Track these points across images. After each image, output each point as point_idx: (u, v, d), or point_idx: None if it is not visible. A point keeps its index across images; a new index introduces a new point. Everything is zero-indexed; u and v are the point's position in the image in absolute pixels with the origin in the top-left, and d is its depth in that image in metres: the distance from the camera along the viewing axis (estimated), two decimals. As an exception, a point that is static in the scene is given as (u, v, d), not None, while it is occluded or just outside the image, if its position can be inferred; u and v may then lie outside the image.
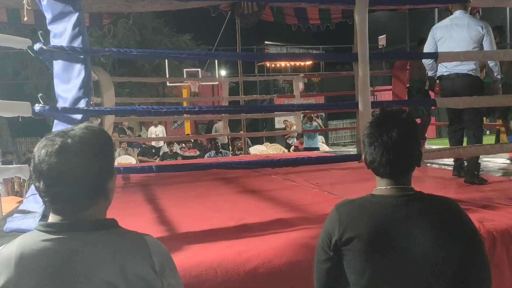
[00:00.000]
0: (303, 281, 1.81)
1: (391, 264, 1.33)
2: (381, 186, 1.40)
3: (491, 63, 3.56)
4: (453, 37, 3.55)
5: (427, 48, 3.77)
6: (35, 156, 1.12)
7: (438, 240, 1.31)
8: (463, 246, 1.33)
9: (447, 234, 1.32)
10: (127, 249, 1.13)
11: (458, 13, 3.69)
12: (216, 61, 15.56)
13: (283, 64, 23.91)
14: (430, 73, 3.90)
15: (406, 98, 6.28)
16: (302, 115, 9.03)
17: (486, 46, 3.40)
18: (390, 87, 7.55)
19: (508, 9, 15.64)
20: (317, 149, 9.83)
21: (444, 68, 3.57)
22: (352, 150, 7.52)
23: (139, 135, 14.28)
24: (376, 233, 1.34)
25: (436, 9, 14.73)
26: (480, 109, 3.52)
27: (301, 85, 12.97)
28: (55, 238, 1.10)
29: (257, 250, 1.89)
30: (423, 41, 4.14)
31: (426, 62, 3.87)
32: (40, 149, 1.12)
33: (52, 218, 1.14)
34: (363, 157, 1.46)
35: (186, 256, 1.83)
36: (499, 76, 3.59)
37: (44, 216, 1.94)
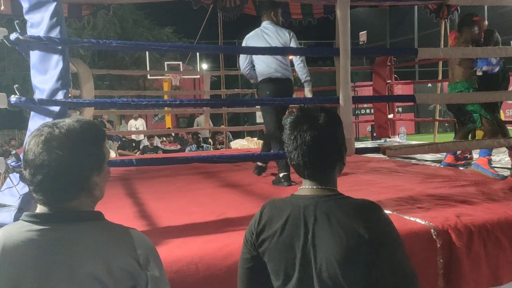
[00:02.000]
0: (284, 275, 1.81)
1: (300, 271, 1.28)
2: (303, 186, 1.38)
3: (299, 65, 3.96)
4: (267, 44, 3.85)
5: (243, 57, 4.09)
6: (25, 145, 1.16)
7: (344, 245, 1.23)
8: (371, 254, 1.23)
9: (354, 239, 1.23)
10: (112, 242, 1.13)
11: (266, 23, 4.00)
12: (197, 54, 15.43)
13: (265, 58, 23.79)
14: (252, 81, 4.20)
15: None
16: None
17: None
18: (370, 83, 7.61)
19: (486, 7, 15.92)
20: (298, 143, 9.84)
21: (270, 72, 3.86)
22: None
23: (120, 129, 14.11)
24: (287, 235, 1.31)
25: (416, 6, 14.89)
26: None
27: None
28: (40, 229, 1.10)
29: (239, 244, 1.86)
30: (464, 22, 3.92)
31: (243, 67, 4.08)
32: (30, 139, 1.15)
33: (38, 209, 1.15)
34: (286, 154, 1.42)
35: (167, 250, 1.81)
36: (308, 78, 4.07)
37: (20, 210, 1.91)
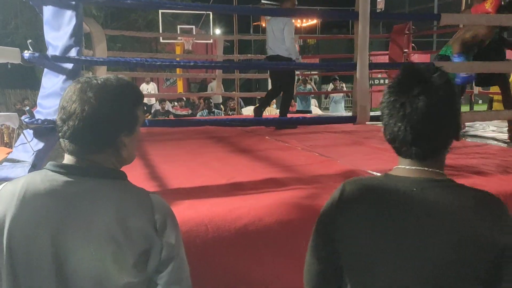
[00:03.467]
0: (293, 239, 1.82)
1: (393, 269, 1.03)
2: (401, 165, 1.11)
3: (290, 45, 4.68)
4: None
5: None
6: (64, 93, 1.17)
7: (460, 246, 0.97)
8: (494, 260, 0.96)
9: (474, 241, 0.97)
10: (131, 203, 1.13)
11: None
12: (211, 19, 15.21)
13: (279, 24, 23.43)
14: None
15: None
16: (296, 77, 8.94)
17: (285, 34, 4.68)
18: (386, 52, 7.47)
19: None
20: (309, 112, 9.81)
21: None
22: (346, 115, 7.50)
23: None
24: (378, 224, 1.05)
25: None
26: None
27: (296, 47, 12.79)
28: (63, 180, 1.11)
29: (248, 208, 1.89)
30: None
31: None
32: (68, 87, 1.16)
33: (65, 159, 1.16)
34: (382, 130, 1.15)
35: (177, 211, 1.78)
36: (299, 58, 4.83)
37: (34, 166, 1.92)
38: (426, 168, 1.08)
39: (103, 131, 1.13)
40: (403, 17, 7.19)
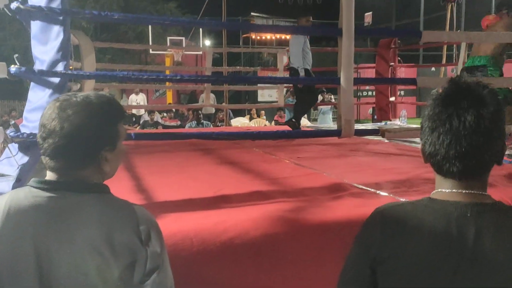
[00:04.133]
0: (278, 252, 1.83)
1: None
2: (443, 189, 1.03)
3: (294, 56, 5.12)
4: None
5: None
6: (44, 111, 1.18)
7: None
8: None
9: None
10: (115, 216, 1.14)
11: None
12: (200, 30, 15.29)
13: (268, 36, 23.64)
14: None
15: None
16: (285, 89, 9.01)
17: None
18: (373, 65, 7.56)
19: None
20: (298, 123, 9.84)
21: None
22: (333, 126, 7.56)
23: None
24: (431, 253, 0.97)
25: (424, -11, 14.68)
26: None
27: (285, 59, 12.87)
28: (46, 195, 1.12)
29: (235, 221, 1.90)
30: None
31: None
32: (48, 106, 1.18)
33: (48, 176, 1.17)
34: (420, 146, 1.08)
35: (162, 225, 1.79)
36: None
37: (18, 180, 1.92)
38: (474, 191, 1.00)
39: (84, 148, 1.15)
40: (386, 33, 7.32)
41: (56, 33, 2.12)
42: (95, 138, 1.16)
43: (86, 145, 1.15)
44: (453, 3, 7.77)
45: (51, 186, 1.14)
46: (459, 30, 12.77)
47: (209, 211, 2.05)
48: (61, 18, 2.13)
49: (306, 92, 5.44)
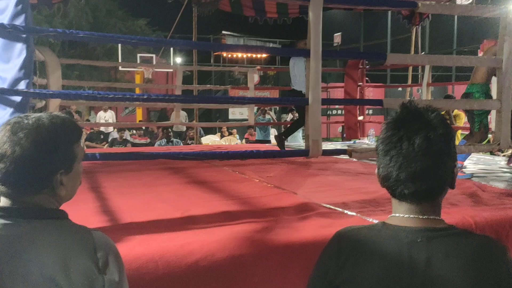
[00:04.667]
0: (244, 274, 1.82)
1: None
2: (398, 213, 1.05)
3: (300, 80, 5.04)
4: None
5: None
6: None
7: None
8: None
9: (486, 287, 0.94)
10: (71, 243, 1.10)
11: None
12: (171, 48, 15.28)
13: (239, 55, 23.85)
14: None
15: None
16: (255, 107, 9.06)
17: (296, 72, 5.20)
18: (343, 84, 7.70)
19: (456, 16, 16.33)
20: (269, 141, 9.90)
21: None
22: (303, 144, 7.62)
23: (88, 120, 13.84)
24: (383, 279, 0.98)
25: (389, 11, 15.15)
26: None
27: (256, 78, 13.00)
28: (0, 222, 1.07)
29: (201, 242, 1.87)
30: None
31: None
32: (1, 127, 1.14)
33: (1, 201, 1.12)
34: (376, 170, 1.10)
35: (127, 248, 1.78)
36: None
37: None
38: (426, 216, 1.02)
39: (37, 172, 1.11)
40: (353, 55, 7.52)
41: (19, 51, 2.07)
42: (48, 162, 1.12)
43: (38, 169, 1.11)
44: (417, 26, 8.03)
45: (3, 213, 1.10)
46: (423, 53, 13.20)
47: (175, 233, 2.02)
48: (24, 36, 2.09)
49: (299, 112, 5.55)
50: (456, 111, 7.37)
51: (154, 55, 14.81)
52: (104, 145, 10.42)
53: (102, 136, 10.82)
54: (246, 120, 7.83)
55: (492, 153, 7.08)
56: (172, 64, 15.64)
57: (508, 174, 4.02)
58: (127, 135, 10.53)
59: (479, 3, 6.86)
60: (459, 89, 19.40)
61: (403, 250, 0.98)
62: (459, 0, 7.27)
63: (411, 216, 1.02)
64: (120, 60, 14.32)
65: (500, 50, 3.00)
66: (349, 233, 1.09)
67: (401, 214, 1.04)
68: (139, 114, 15.46)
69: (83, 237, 1.13)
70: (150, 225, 2.19)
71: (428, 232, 1.00)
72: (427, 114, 1.03)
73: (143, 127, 12.00)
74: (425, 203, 1.03)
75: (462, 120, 7.56)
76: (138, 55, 14.77)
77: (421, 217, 1.02)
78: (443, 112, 7.26)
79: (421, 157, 0.98)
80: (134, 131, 11.60)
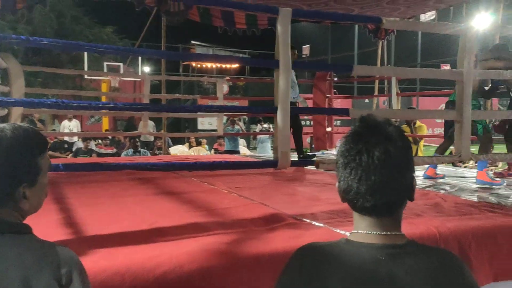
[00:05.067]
0: (214, 287, 1.79)
1: None
2: (359, 229, 1.05)
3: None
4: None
5: None
6: None
7: None
8: None
9: None
10: (34, 259, 1.06)
11: None
12: (139, 57, 15.12)
13: (209, 65, 23.84)
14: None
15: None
16: (225, 117, 9.06)
17: None
18: (311, 95, 7.80)
19: (420, 32, 16.86)
20: (238, 152, 9.90)
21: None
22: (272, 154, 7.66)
23: (54, 130, 13.48)
24: None
25: (356, 25, 15.51)
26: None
27: (225, 88, 12.99)
28: None
29: (169, 255, 1.84)
30: None
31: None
32: None
33: None
34: (336, 184, 1.09)
35: (91, 261, 1.73)
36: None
37: None
38: (388, 232, 1.02)
39: None
40: (321, 67, 7.62)
41: (-20, 58, 2.01)
42: (10, 175, 1.09)
43: (1, 182, 1.08)
44: (383, 40, 8.24)
45: None
46: (388, 65, 13.54)
47: (142, 245, 1.98)
48: (-14, 42, 2.02)
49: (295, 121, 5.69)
50: (418, 123, 7.59)
51: (121, 64, 14.61)
52: (68, 155, 10.16)
53: (66, 146, 10.57)
54: (215, 130, 7.80)
55: (454, 164, 7.31)
56: (140, 73, 15.46)
57: (470, 185, 4.15)
58: (92, 144, 10.32)
59: (441, 20, 7.10)
60: (423, 101, 20.04)
61: (366, 268, 0.97)
62: (423, 16, 7.50)
63: (373, 232, 1.02)
64: (86, 68, 14.04)
65: (461, 64, 3.11)
66: (312, 251, 1.08)
67: (363, 231, 1.04)
68: (105, 123, 15.19)
69: (47, 252, 1.10)
70: (116, 237, 2.14)
71: (389, 249, 1.00)
72: (386, 127, 1.04)
73: (109, 137, 11.79)
74: (385, 218, 1.03)
75: (424, 131, 7.77)
76: (105, 63, 14.53)
77: (383, 233, 1.02)
78: (404, 125, 7.48)
79: (380, 170, 0.99)
80: (100, 141, 11.38)
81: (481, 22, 6.59)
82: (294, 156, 4.22)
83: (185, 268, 1.79)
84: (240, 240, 2.06)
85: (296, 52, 5.68)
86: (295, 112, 3.51)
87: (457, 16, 7.52)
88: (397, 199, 1.03)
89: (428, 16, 7.47)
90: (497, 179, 4.05)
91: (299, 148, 5.77)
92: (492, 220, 2.54)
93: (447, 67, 18.19)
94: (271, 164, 2.88)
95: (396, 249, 1.00)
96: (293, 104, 5.53)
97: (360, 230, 1.05)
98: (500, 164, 8.13)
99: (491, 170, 6.41)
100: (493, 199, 3.29)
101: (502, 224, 2.49)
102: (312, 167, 4.02)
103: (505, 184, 3.96)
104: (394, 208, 1.03)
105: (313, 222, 2.41)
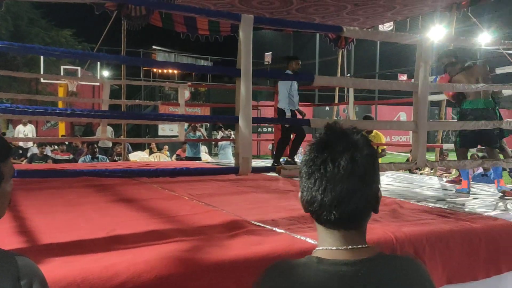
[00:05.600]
0: (173, 295, 1.77)
1: None
2: (327, 245, 1.00)
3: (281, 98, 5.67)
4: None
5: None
6: None
7: None
8: None
9: None
10: None
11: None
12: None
13: (170, 70, 23.62)
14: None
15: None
16: (186, 124, 8.99)
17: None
18: (273, 102, 7.86)
19: (378, 42, 17.35)
20: (199, 159, 9.83)
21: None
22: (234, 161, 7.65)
23: (4, 133, 12.96)
24: None
25: (318, 34, 15.77)
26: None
27: (187, 94, 12.92)
28: None
29: (127, 263, 1.80)
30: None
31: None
32: None
33: None
34: (299, 194, 1.05)
35: (46, 271, 1.65)
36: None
37: None
38: (355, 246, 0.98)
39: None
40: (282, 76, 7.67)
41: None
42: None
43: None
44: (343, 49, 8.43)
45: None
46: (348, 74, 13.83)
47: (99, 254, 1.93)
48: None
49: (294, 130, 5.91)
50: (374, 131, 7.77)
51: (79, 68, 14.23)
52: (22, 161, 9.80)
53: (20, 152, 10.20)
54: (176, 136, 7.72)
55: (410, 171, 7.54)
56: (98, 77, 15.12)
57: (425, 192, 4.29)
58: (48, 150, 10.00)
59: (399, 31, 7.35)
60: (381, 109, 20.60)
61: (335, 286, 0.94)
62: (381, 26, 7.74)
63: (341, 247, 0.98)
64: (42, 72, 13.60)
65: (417, 75, 3.22)
66: (280, 270, 1.02)
67: (330, 246, 0.99)
68: (61, 129, 14.74)
69: (6, 263, 1.05)
70: (73, 245, 2.08)
71: (359, 264, 0.96)
72: (353, 135, 0.99)
73: (66, 142, 11.46)
74: (352, 231, 0.99)
75: (381, 139, 7.97)
76: (62, 67, 14.11)
77: (350, 247, 0.98)
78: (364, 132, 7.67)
79: (347, 179, 0.94)
80: (56, 147, 11.04)
81: (436, 34, 6.86)
82: (255, 163, 4.24)
83: (144, 277, 1.76)
84: (200, 247, 2.05)
85: (300, 62, 5.84)
86: (258, 122, 3.56)
87: (413, 27, 7.80)
88: (363, 209, 0.98)
89: (386, 27, 7.71)
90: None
91: (291, 153, 6.03)
92: (445, 225, 2.64)
93: (404, 76, 18.81)
94: (233, 170, 2.88)
95: (366, 263, 0.96)
96: (293, 113, 5.83)
97: (327, 246, 1.00)
98: (453, 171, 8.45)
99: (445, 177, 6.66)
100: (446, 205, 3.41)
101: (454, 229, 2.59)
102: (273, 174, 4.06)
103: None
104: (359, 220, 0.99)
105: (274, 229, 2.43)
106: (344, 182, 0.94)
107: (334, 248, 0.99)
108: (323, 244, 1.01)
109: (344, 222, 0.97)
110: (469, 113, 4.02)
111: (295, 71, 5.67)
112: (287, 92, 5.64)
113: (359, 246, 0.98)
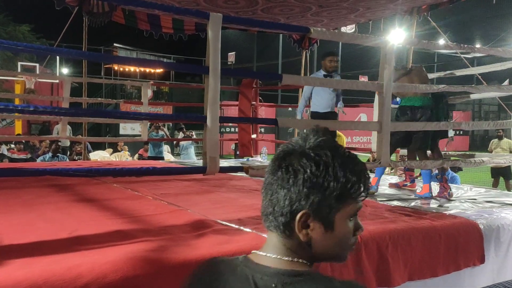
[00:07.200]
0: (139, 296, 1.74)
1: None
2: (263, 251, 0.99)
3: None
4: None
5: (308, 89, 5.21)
6: None
7: None
8: None
9: None
10: None
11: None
12: (57, 57, 14.35)
13: (132, 69, 23.23)
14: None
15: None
16: (149, 123, 8.85)
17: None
18: (236, 102, 7.86)
19: (340, 44, 17.66)
20: (162, 158, 9.71)
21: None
22: (198, 161, 7.59)
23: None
24: None
25: (281, 35, 15.88)
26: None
27: (150, 93, 12.71)
28: None
29: (91, 264, 1.75)
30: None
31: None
32: None
33: None
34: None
35: (5, 273, 1.61)
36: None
37: None
38: (290, 258, 0.94)
39: None
40: (250, 75, 7.74)
41: None
42: None
43: None
44: (307, 50, 8.53)
45: None
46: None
47: (61, 255, 1.87)
48: None
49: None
50: (338, 132, 7.90)
51: (37, 65, 13.75)
52: (-25, 160, 9.38)
53: (-27, 150, 9.76)
54: (139, 135, 7.58)
55: (371, 171, 7.70)
56: (58, 74, 14.66)
57: (387, 191, 4.40)
58: (4, 149, 9.62)
59: (361, 33, 7.50)
60: (345, 110, 20.91)
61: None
62: (344, 28, 7.88)
63: (275, 256, 0.95)
64: (-3, 68, 13.07)
65: (381, 76, 3.30)
66: (210, 265, 1.03)
67: (265, 252, 0.97)
68: (18, 127, 14.22)
69: None
70: (32, 247, 2.01)
71: (285, 276, 0.90)
72: (302, 148, 0.96)
73: (23, 141, 11.06)
74: (289, 241, 0.96)
75: (343, 141, 8.13)
76: (19, 63, 13.61)
77: (285, 258, 0.94)
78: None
79: (288, 188, 0.93)
80: (12, 145, 10.63)
81: (396, 37, 7.04)
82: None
83: (109, 278, 1.72)
84: (166, 247, 2.02)
85: (335, 59, 5.18)
86: (225, 121, 3.44)
87: (375, 30, 7.98)
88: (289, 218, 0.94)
89: (348, 29, 7.85)
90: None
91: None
92: (407, 223, 2.71)
93: (365, 78, 19.23)
94: (200, 170, 2.85)
95: (293, 278, 0.90)
96: (314, 115, 5.25)
97: (263, 252, 0.98)
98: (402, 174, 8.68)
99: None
100: (408, 204, 3.51)
101: (415, 226, 2.67)
102: (240, 173, 4.06)
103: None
104: (292, 228, 0.94)
105: (241, 228, 2.43)
106: (286, 189, 0.94)
107: (264, 253, 0.97)
108: (262, 250, 1.00)
109: (281, 231, 0.96)
110: (408, 110, 4.10)
111: (327, 71, 5.09)
112: (308, 93, 5.19)
113: (292, 259, 0.94)
